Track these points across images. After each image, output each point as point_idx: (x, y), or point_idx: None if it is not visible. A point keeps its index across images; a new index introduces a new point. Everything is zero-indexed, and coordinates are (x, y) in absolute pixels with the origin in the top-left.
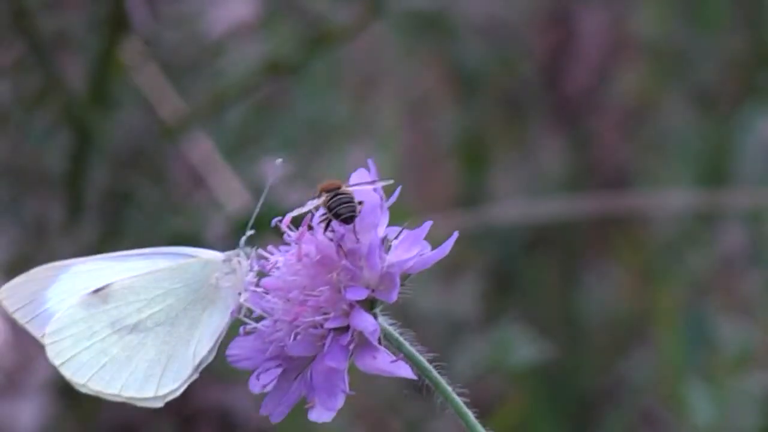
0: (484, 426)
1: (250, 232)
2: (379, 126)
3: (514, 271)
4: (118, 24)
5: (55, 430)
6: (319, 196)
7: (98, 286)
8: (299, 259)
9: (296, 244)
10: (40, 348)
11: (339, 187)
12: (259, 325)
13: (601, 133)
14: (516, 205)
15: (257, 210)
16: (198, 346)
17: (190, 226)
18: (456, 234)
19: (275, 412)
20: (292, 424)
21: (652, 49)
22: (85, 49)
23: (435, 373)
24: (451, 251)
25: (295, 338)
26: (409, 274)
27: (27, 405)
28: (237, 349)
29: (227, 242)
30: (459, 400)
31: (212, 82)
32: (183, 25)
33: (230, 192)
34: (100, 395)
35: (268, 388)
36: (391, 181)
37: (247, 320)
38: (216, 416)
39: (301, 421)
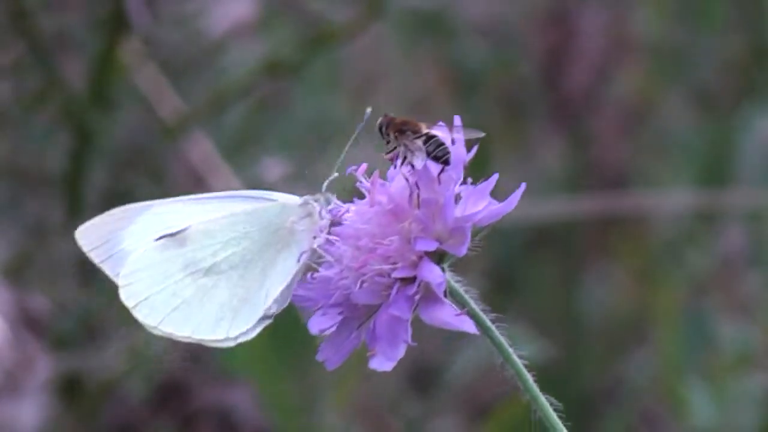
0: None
1: (332, 177)
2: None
3: (514, 271)
4: (118, 24)
5: (55, 430)
6: (401, 133)
7: (175, 227)
8: (371, 206)
9: (370, 191)
10: (40, 348)
11: (416, 124)
12: (326, 271)
13: (601, 133)
14: (516, 204)
15: (345, 151)
16: (271, 288)
17: None
18: (524, 185)
19: (332, 359)
20: (294, 424)
21: (652, 49)
22: (85, 50)
23: (497, 333)
24: None
25: (361, 286)
26: (479, 230)
27: (27, 405)
28: (303, 291)
29: None
30: (520, 362)
31: (212, 82)
32: (183, 25)
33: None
34: (172, 337)
35: (327, 333)
36: (482, 134)
37: (316, 266)
38: (216, 416)
39: (302, 420)
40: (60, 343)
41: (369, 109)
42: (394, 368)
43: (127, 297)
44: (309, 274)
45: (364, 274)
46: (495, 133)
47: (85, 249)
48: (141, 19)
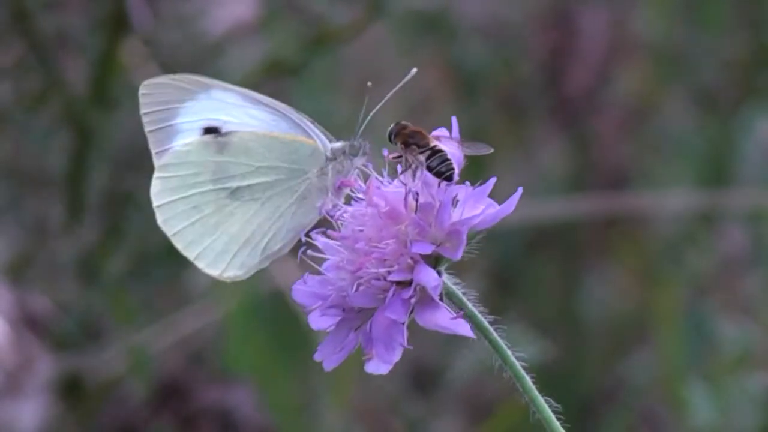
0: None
1: (363, 124)
2: (379, 126)
3: (514, 271)
4: (118, 24)
5: (56, 430)
6: (406, 145)
7: (224, 125)
8: (368, 208)
9: (366, 193)
10: (41, 348)
11: (424, 137)
12: (324, 272)
13: (602, 133)
14: (516, 205)
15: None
16: (273, 238)
17: None
18: (521, 190)
19: (330, 359)
20: (294, 424)
21: (652, 49)
22: (86, 50)
23: (495, 334)
24: None
25: (357, 289)
26: (476, 233)
27: (28, 405)
28: (301, 285)
29: None
30: (518, 363)
31: None
32: (183, 25)
33: None
34: (178, 250)
35: (329, 329)
36: (491, 149)
37: (314, 264)
38: (216, 416)
39: (302, 420)
40: (60, 343)
41: (414, 70)
42: (394, 369)
43: (154, 191)
44: (305, 275)
45: (360, 277)
46: (495, 133)
47: (142, 110)
48: (141, 19)
